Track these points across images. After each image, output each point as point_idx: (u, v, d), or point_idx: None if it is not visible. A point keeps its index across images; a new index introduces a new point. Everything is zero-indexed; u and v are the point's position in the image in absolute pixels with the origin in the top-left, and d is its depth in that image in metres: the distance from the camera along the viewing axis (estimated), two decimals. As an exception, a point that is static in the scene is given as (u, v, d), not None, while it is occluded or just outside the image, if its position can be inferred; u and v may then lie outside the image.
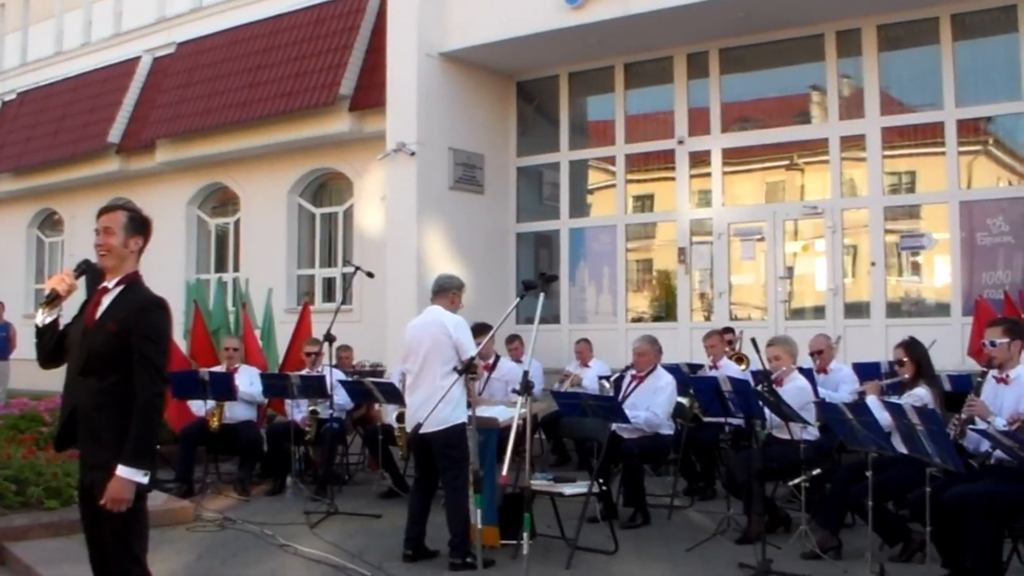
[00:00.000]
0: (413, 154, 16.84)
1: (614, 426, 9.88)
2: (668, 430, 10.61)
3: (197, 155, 21.31)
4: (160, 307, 5.24)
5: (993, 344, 7.79)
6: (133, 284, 5.27)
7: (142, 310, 5.17)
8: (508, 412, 8.97)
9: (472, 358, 7.41)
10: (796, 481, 8.88)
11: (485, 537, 7.93)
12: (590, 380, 13.26)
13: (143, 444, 5.04)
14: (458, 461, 8.38)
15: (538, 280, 7.07)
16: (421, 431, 8.38)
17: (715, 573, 8.26)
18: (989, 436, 6.84)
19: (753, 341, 8.69)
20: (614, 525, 9.32)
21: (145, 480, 5.06)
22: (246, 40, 20.69)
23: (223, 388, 12.08)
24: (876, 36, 15.62)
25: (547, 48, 17.05)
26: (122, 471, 4.94)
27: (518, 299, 7.33)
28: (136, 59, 23.49)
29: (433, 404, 8.03)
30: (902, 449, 7.49)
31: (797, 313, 16.33)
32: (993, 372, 7.74)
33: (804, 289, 16.52)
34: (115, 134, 22.72)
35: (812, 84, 16.50)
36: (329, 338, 11.33)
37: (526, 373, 6.64)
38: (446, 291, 8.89)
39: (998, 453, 7.13)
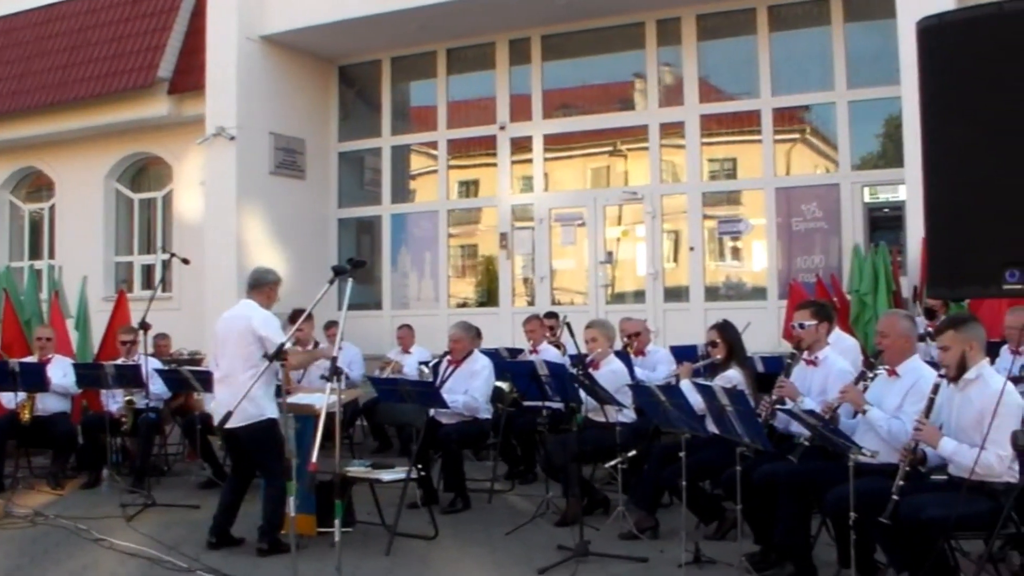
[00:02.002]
0: (233, 139, 16.63)
1: (433, 412, 9.89)
2: (487, 414, 10.64)
3: (9, 138, 20.52)
4: None
5: (802, 326, 7.99)
6: None
7: None
8: (333, 399, 8.93)
9: (282, 344, 7.34)
10: (612, 463, 8.99)
11: (300, 526, 7.88)
12: (411, 366, 13.23)
13: None
14: (271, 454, 8.34)
15: (347, 265, 7.08)
16: (228, 426, 8.23)
17: (534, 555, 8.29)
18: (794, 415, 7.01)
19: (567, 325, 8.78)
20: (434, 511, 9.36)
21: None
22: (61, 19, 20.02)
23: (34, 379, 11.69)
24: (695, 25, 15.94)
25: (369, 32, 16.96)
26: None
27: (328, 285, 7.29)
28: (-57, 36, 22.58)
29: (237, 400, 7.93)
30: (713, 430, 7.65)
31: (618, 297, 16.57)
32: (803, 354, 7.95)
33: (625, 274, 16.74)
34: (-80, 114, 21.81)
35: (635, 72, 16.71)
36: (144, 326, 11.08)
37: (335, 359, 6.63)
38: (261, 286, 8.76)
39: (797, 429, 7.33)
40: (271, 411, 8.37)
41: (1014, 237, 4.35)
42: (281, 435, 8.39)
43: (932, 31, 4.65)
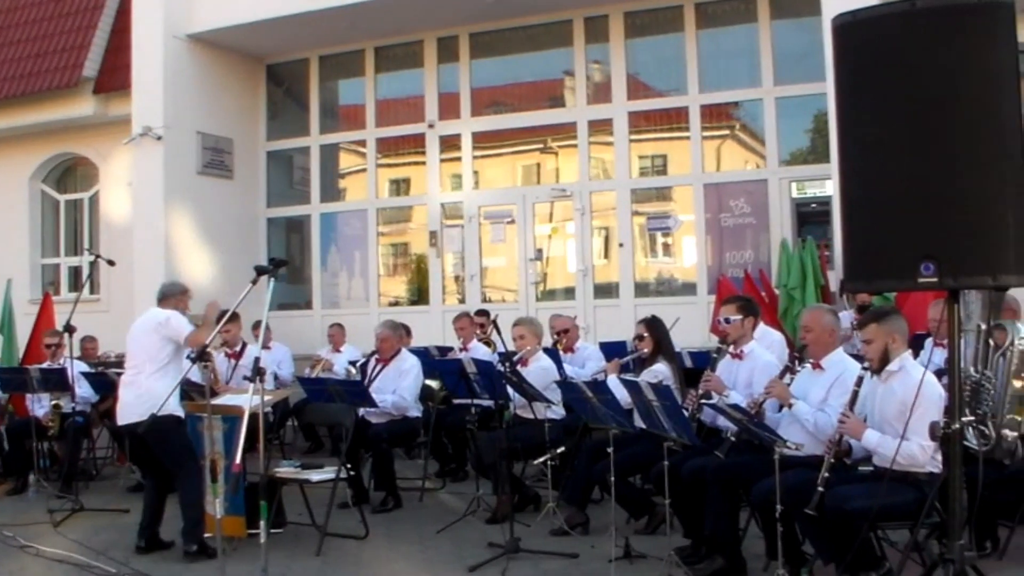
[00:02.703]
0: (160, 138, 16.41)
1: (362, 411, 9.89)
2: (416, 412, 10.65)
3: (-71, 140, 20.26)
4: None
5: (728, 321, 8.07)
6: None
7: None
8: (256, 400, 8.89)
9: (205, 345, 7.31)
10: (542, 460, 9.02)
11: (229, 527, 7.83)
12: (341, 365, 13.19)
13: None
14: (179, 450, 8.40)
15: (269, 265, 7.08)
16: (129, 422, 8.38)
17: (464, 553, 8.32)
18: (719, 409, 7.08)
19: (494, 322, 8.81)
20: (364, 510, 9.36)
21: None
22: (-20, 17, 19.78)
23: (-44, 385, 11.60)
24: (623, 23, 16.00)
25: (297, 31, 16.81)
26: None
27: (251, 285, 7.25)
28: None
29: (140, 400, 8.08)
30: (641, 425, 7.68)
31: (549, 294, 16.59)
32: (729, 348, 8.02)
33: (555, 271, 16.77)
34: None
35: (564, 69, 16.74)
36: (69, 329, 10.97)
37: (257, 359, 6.62)
38: (168, 297, 8.85)
39: (724, 423, 7.39)
40: (175, 410, 8.38)
41: (928, 231, 4.42)
42: (185, 431, 8.47)
43: (847, 28, 4.71)
